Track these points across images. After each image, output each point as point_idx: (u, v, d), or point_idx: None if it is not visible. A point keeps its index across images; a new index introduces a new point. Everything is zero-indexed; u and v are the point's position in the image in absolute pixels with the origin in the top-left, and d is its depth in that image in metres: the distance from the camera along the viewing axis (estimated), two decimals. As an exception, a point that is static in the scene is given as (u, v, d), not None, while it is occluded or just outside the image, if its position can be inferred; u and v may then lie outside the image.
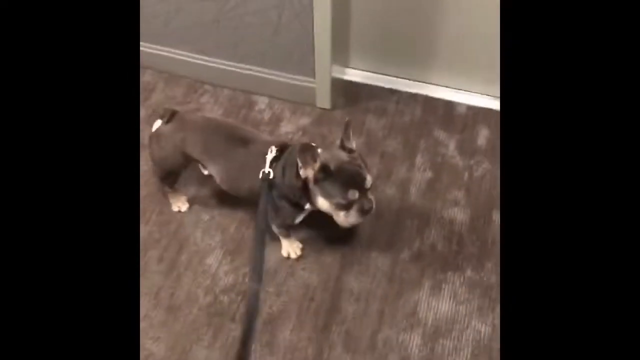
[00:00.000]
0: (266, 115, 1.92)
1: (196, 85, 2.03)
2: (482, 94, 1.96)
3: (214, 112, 1.93)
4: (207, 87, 2.02)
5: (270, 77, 1.92)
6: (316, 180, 1.21)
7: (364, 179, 1.22)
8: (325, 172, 1.19)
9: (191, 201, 1.67)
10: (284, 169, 1.28)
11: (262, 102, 1.97)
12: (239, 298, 1.46)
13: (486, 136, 1.83)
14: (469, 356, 1.35)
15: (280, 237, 1.51)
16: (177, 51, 1.98)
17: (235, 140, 1.35)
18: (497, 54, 1.78)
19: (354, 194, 1.20)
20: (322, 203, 1.24)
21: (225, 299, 1.46)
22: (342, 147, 1.25)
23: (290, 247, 1.53)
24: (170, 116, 1.39)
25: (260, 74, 1.93)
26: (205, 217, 1.64)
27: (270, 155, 1.29)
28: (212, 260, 1.54)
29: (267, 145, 1.31)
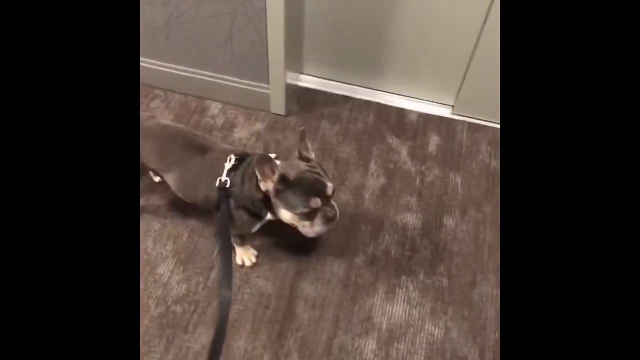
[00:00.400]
0: (219, 121, 1.90)
1: (146, 89, 1.98)
2: (432, 101, 2.01)
3: (164, 117, 1.88)
4: (157, 91, 1.98)
5: (223, 82, 1.90)
6: (277, 192, 1.19)
7: (325, 186, 1.21)
8: (284, 183, 1.18)
9: (141, 209, 1.62)
10: (242, 178, 1.26)
11: (215, 107, 1.94)
12: (192, 308, 1.43)
13: (436, 143, 1.88)
14: (423, 359, 1.37)
15: (235, 245, 1.49)
16: (126, 54, 1.93)
17: (192, 148, 1.32)
18: (449, 66, 1.85)
19: (316, 202, 1.18)
20: (285, 214, 1.22)
21: (177, 309, 1.43)
22: (300, 156, 1.24)
23: (244, 255, 1.51)
24: None
25: (213, 79, 1.90)
26: (156, 225, 1.59)
27: (228, 164, 1.26)
28: (163, 270, 1.50)
29: (226, 154, 1.29)
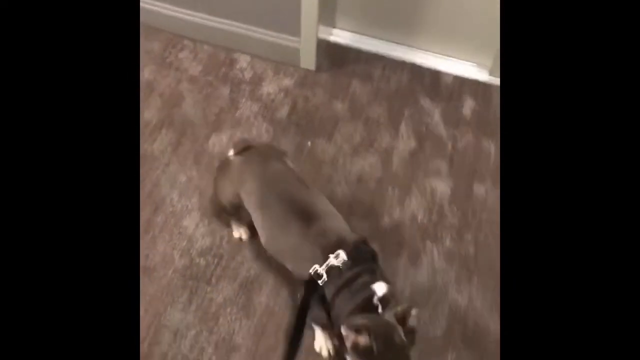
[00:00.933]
0: (247, 74, 1.85)
1: (175, 39, 1.94)
2: (469, 61, 1.92)
3: (193, 68, 1.85)
4: (186, 42, 1.93)
5: (253, 34, 1.84)
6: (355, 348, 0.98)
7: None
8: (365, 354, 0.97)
9: (168, 163, 1.61)
10: (339, 291, 1.06)
11: (243, 60, 1.89)
12: (216, 261, 1.43)
13: (471, 107, 1.81)
14: (444, 326, 1.36)
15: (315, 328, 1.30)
16: (156, 2, 1.88)
17: (299, 212, 1.15)
18: (487, 23, 1.75)
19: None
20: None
21: (201, 261, 1.43)
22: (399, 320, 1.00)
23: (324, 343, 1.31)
24: (242, 149, 1.26)
25: (242, 31, 1.84)
26: (182, 178, 1.59)
27: (334, 260, 1.07)
28: (188, 222, 1.50)
29: (333, 237, 1.11)
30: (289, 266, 1.20)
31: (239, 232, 1.47)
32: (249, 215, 1.27)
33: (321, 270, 1.08)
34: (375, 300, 1.03)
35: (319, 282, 1.08)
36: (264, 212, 1.20)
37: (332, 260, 1.08)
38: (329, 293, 1.08)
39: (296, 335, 1.07)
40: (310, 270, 1.09)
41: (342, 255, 1.08)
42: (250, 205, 1.23)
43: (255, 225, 1.24)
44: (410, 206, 1.57)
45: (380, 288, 1.05)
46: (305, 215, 1.15)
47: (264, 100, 1.78)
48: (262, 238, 1.23)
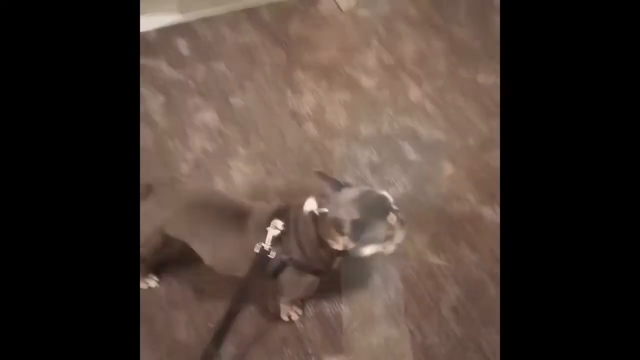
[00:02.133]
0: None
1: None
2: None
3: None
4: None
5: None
6: (354, 239, 1.06)
7: (385, 198, 1.10)
8: (355, 225, 1.05)
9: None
10: (299, 244, 1.12)
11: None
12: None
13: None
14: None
15: (282, 304, 1.37)
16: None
17: (228, 215, 1.18)
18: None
19: (392, 219, 1.08)
20: (371, 250, 1.11)
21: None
22: (334, 184, 1.13)
23: (290, 309, 1.39)
24: (145, 191, 1.19)
25: None
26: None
27: (273, 231, 1.11)
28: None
29: (264, 216, 1.14)
30: (244, 271, 1.16)
31: (147, 283, 1.44)
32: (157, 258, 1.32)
33: (266, 245, 1.11)
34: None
35: (269, 255, 1.11)
36: (200, 234, 1.20)
37: (271, 231, 1.11)
38: (299, 256, 1.12)
39: (235, 309, 1.09)
40: (255, 249, 1.11)
41: (278, 224, 1.12)
42: (186, 235, 1.22)
43: (195, 250, 1.23)
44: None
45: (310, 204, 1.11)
46: (236, 216, 1.17)
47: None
48: (206, 258, 1.22)
